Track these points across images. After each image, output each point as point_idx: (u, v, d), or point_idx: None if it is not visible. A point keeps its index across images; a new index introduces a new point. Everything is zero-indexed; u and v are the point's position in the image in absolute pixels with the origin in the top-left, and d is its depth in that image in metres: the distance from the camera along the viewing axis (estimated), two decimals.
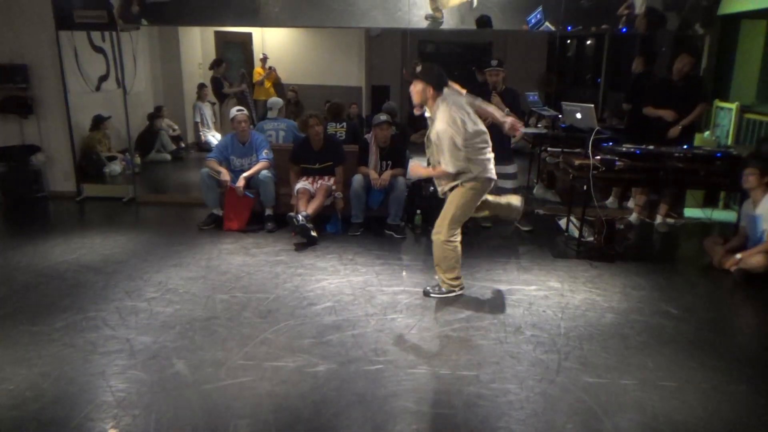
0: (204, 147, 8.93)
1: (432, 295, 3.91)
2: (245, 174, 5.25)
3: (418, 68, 3.66)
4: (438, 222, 3.82)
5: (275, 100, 6.56)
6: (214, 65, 8.87)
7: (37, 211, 6.18)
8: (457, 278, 3.92)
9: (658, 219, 5.59)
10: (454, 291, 3.90)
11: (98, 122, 7.15)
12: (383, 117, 5.29)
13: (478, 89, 5.44)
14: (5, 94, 6.27)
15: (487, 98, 5.16)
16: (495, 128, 5.24)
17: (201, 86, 9.04)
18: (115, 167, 7.25)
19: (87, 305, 3.72)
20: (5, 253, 4.71)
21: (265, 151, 5.39)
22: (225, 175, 5.22)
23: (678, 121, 5.19)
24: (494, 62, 5.14)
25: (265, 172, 5.29)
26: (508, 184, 5.42)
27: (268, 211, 5.38)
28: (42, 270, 4.34)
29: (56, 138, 6.55)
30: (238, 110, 5.48)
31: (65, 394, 2.75)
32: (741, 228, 4.54)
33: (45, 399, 2.71)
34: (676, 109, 5.19)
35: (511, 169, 5.38)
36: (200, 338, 3.31)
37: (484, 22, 5.79)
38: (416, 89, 3.65)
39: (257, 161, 5.37)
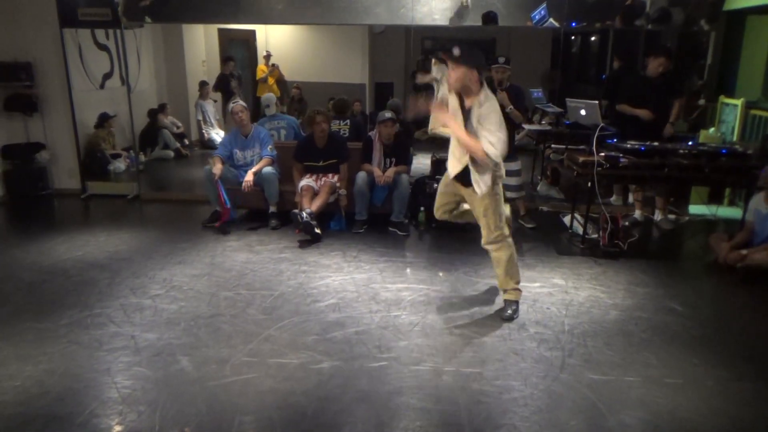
0: (207, 144, 8.96)
1: (509, 317, 3.53)
2: (253, 170, 5.26)
3: (456, 50, 3.02)
4: (488, 232, 3.45)
5: (268, 96, 6.49)
6: (224, 62, 8.86)
7: (42, 208, 6.20)
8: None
9: (658, 215, 5.58)
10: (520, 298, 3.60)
11: (103, 120, 7.17)
12: (388, 114, 5.29)
13: None
14: (10, 92, 6.28)
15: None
16: None
17: (202, 84, 9.05)
18: (120, 165, 7.27)
19: (92, 302, 3.74)
20: (10, 251, 4.74)
21: (270, 147, 5.41)
22: (217, 169, 5.18)
23: (656, 120, 5.16)
24: (501, 59, 5.13)
25: (269, 169, 5.30)
26: (512, 180, 5.41)
27: (272, 209, 5.39)
28: (47, 267, 4.36)
29: (61, 136, 6.57)
30: (234, 102, 5.59)
31: (71, 391, 2.76)
32: (747, 224, 4.52)
33: (50, 395, 2.73)
34: (651, 106, 5.17)
35: (514, 165, 5.38)
36: (205, 335, 3.32)
37: (490, 17, 5.77)
38: (456, 75, 3.11)
39: (260, 155, 5.40)
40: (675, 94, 5.22)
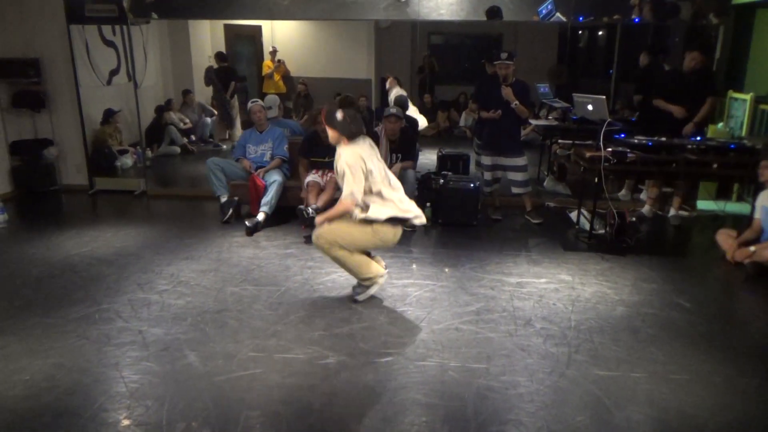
0: (209, 139, 9.03)
1: (358, 298, 3.73)
2: (264, 168, 5.41)
3: (338, 114, 3.47)
4: (324, 230, 3.57)
5: (272, 98, 6.51)
6: (221, 59, 8.83)
7: (50, 204, 6.24)
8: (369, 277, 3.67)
9: (671, 212, 5.55)
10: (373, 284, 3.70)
11: (109, 116, 7.20)
12: (392, 110, 5.28)
13: (488, 81, 5.43)
14: (18, 88, 6.31)
15: (497, 90, 5.16)
16: (506, 118, 5.24)
17: (185, 93, 9.02)
18: (127, 160, 7.30)
19: (100, 297, 3.76)
20: (19, 246, 4.77)
21: (285, 147, 5.55)
22: (246, 163, 5.49)
23: (689, 117, 5.14)
24: (504, 55, 5.10)
25: (278, 178, 5.31)
26: (519, 176, 5.40)
27: (262, 214, 5.18)
28: (55, 263, 4.39)
29: (68, 132, 6.61)
30: (253, 102, 5.67)
31: (79, 385, 2.79)
32: (755, 220, 4.49)
33: (59, 390, 2.75)
34: (685, 102, 5.14)
35: (521, 161, 5.37)
36: (211, 330, 3.33)
37: (493, 13, 5.75)
38: (331, 134, 3.57)
39: (272, 151, 5.52)
40: (709, 92, 5.16)
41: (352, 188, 3.43)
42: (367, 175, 3.47)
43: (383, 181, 3.56)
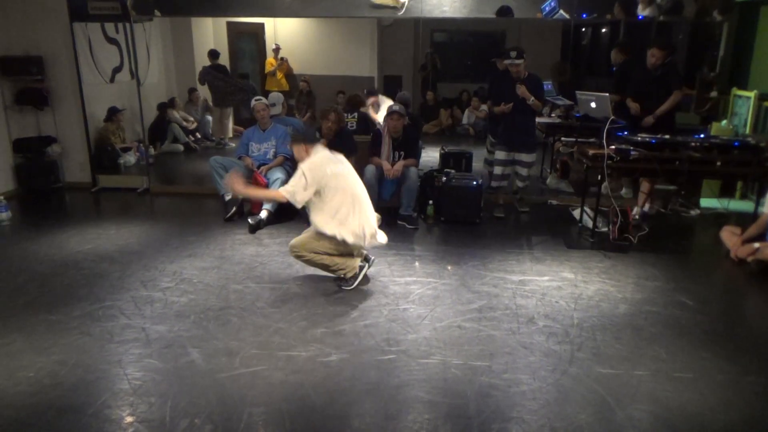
0: (212, 137, 9.03)
1: (345, 288, 3.90)
2: (267, 165, 5.44)
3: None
4: (298, 241, 3.86)
5: (276, 95, 6.51)
6: (214, 56, 8.83)
7: (54, 201, 6.26)
8: (352, 260, 3.91)
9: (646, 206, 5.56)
10: (356, 273, 3.90)
11: (112, 114, 7.21)
12: (395, 107, 5.28)
13: (500, 77, 5.44)
14: (21, 85, 6.33)
15: (510, 86, 5.17)
16: (521, 114, 5.25)
17: (191, 91, 9.02)
18: (130, 158, 7.32)
19: (103, 295, 3.77)
20: (23, 244, 4.78)
21: (288, 145, 5.52)
22: (248, 161, 5.51)
23: (650, 112, 5.13)
24: (513, 54, 5.11)
25: (281, 176, 5.31)
26: (524, 171, 5.44)
27: (264, 212, 5.23)
28: (59, 260, 4.40)
29: (71, 129, 6.62)
30: (257, 99, 5.66)
31: (83, 382, 2.79)
32: (760, 217, 4.47)
33: (63, 386, 2.76)
34: (651, 99, 5.14)
35: (531, 158, 5.42)
36: (214, 328, 3.34)
37: (503, 12, 5.75)
38: (295, 151, 3.89)
39: (275, 148, 5.54)
40: (674, 86, 5.15)
41: (295, 192, 3.69)
42: (322, 190, 3.68)
43: (352, 202, 3.76)
